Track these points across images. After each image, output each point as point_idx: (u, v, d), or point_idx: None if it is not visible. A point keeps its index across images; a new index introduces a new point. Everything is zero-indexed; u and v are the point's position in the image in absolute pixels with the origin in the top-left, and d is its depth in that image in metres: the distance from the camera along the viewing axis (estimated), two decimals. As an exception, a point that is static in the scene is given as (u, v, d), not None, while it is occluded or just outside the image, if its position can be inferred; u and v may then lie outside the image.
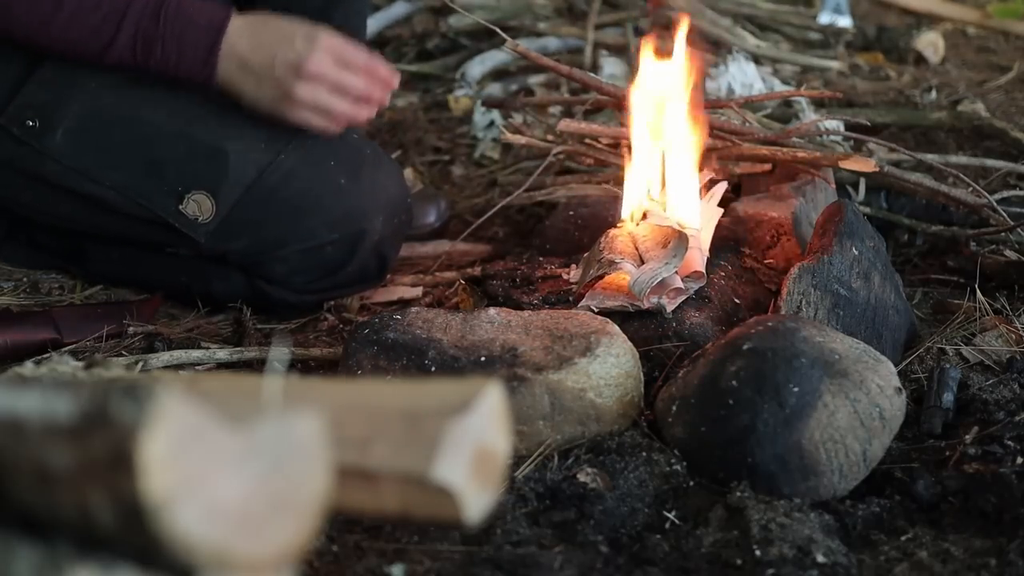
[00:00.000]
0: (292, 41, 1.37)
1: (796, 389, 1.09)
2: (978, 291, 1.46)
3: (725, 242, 1.52)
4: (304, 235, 1.48)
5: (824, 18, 3.29)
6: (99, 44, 1.36)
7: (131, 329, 1.50)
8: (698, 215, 1.44)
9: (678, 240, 1.35)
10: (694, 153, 1.47)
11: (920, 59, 2.99)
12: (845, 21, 3.32)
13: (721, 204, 1.56)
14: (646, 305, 1.32)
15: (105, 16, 1.35)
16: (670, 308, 1.33)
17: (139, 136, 1.44)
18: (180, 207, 1.44)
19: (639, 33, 1.86)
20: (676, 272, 1.32)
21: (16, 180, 1.48)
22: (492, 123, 2.38)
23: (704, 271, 1.37)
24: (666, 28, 1.53)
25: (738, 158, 1.67)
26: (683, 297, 1.35)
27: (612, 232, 1.42)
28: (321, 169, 1.48)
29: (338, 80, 1.39)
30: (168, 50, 1.36)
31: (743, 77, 2.46)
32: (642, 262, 1.34)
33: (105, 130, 1.43)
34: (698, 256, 1.38)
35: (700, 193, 1.47)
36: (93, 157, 1.44)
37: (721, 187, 1.53)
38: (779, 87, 2.55)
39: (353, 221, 1.48)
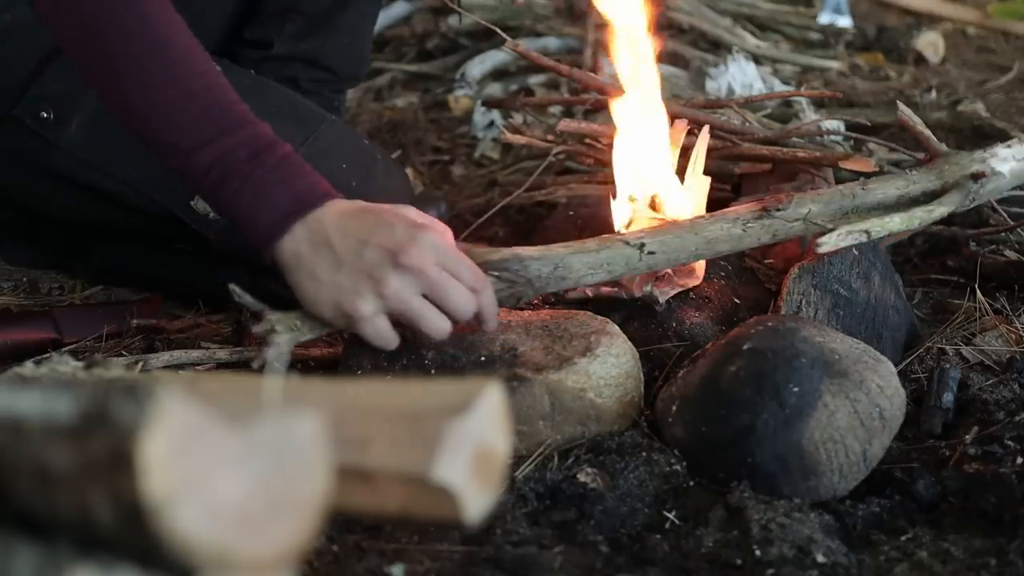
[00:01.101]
0: (393, 227, 1.12)
1: (796, 389, 1.09)
2: (978, 291, 1.46)
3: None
4: None
5: (824, 18, 3.29)
6: (184, 141, 1.13)
7: (134, 322, 1.50)
8: (685, 202, 1.43)
9: None
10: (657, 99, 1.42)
11: (920, 59, 2.99)
12: (845, 21, 3.32)
13: (720, 204, 1.56)
14: (638, 293, 1.31)
15: (208, 118, 1.14)
16: (663, 298, 1.33)
17: None
18: (191, 203, 1.44)
19: None
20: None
21: (27, 172, 1.48)
22: (492, 123, 2.38)
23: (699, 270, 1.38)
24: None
25: (738, 158, 1.67)
26: (674, 290, 1.34)
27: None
28: (332, 170, 1.47)
29: (437, 282, 1.12)
30: (245, 193, 1.13)
31: (743, 77, 2.46)
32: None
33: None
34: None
35: (675, 159, 1.43)
36: (106, 151, 1.44)
37: (683, 129, 1.46)
38: (779, 87, 2.55)
39: None
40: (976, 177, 1.34)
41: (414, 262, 1.10)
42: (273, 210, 1.13)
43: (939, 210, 1.33)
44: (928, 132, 1.37)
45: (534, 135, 1.86)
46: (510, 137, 1.72)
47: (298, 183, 1.14)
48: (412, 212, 1.18)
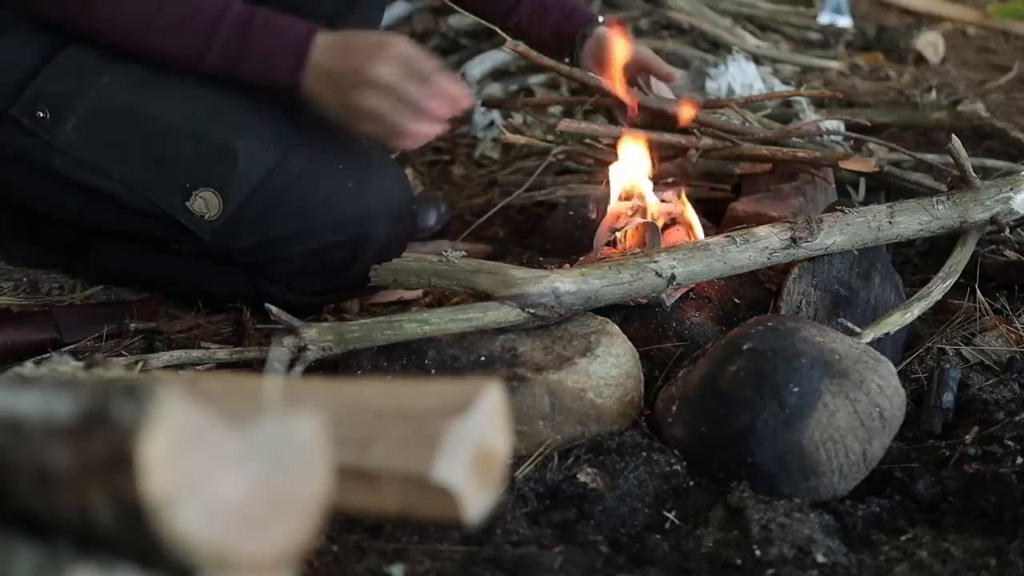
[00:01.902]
0: (366, 50, 1.38)
1: (796, 389, 1.09)
2: (978, 291, 1.46)
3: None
4: (309, 236, 1.49)
5: (824, 18, 3.29)
6: (190, 57, 1.40)
7: (132, 325, 1.50)
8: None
9: (651, 232, 1.38)
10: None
11: (920, 59, 2.99)
12: (845, 21, 3.32)
13: (721, 204, 1.57)
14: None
15: (195, 33, 1.39)
16: (669, 302, 1.33)
17: (149, 132, 1.45)
18: (187, 204, 1.44)
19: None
20: None
21: (24, 172, 1.48)
22: (492, 123, 2.38)
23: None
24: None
25: (738, 158, 1.67)
26: (679, 291, 1.35)
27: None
28: (330, 172, 1.49)
29: (401, 89, 1.37)
30: (255, 66, 1.39)
31: (743, 77, 2.46)
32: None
33: (115, 124, 1.44)
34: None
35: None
36: (102, 151, 1.44)
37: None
38: (779, 87, 2.55)
39: (359, 224, 1.49)
40: (994, 223, 1.38)
41: (375, 76, 1.36)
42: (282, 73, 1.39)
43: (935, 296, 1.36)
44: (969, 164, 1.39)
45: (534, 135, 1.86)
46: (510, 137, 1.72)
47: (286, 40, 1.39)
48: (382, 34, 1.41)
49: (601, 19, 1.72)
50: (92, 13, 1.40)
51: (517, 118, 2.16)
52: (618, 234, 1.40)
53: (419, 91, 1.37)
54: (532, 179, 1.82)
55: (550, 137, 1.87)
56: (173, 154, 1.44)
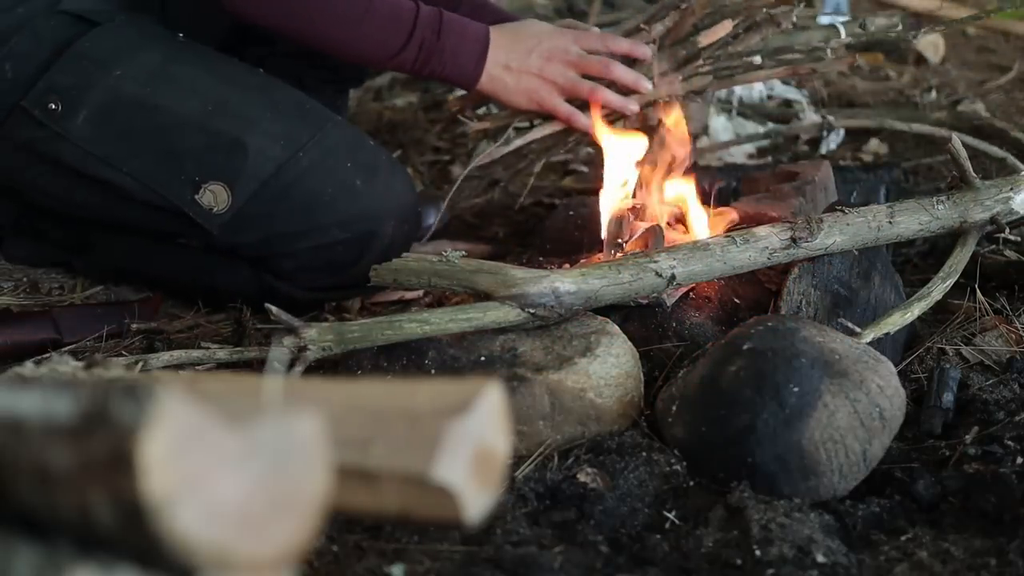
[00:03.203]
0: (541, 35, 1.54)
1: (796, 389, 1.09)
2: (978, 291, 1.46)
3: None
4: (316, 232, 1.50)
5: (824, 18, 3.29)
6: (388, 52, 1.50)
7: (133, 326, 1.50)
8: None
9: (655, 234, 1.38)
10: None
11: (920, 59, 2.99)
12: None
13: (721, 203, 1.57)
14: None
15: (398, 29, 1.48)
16: (670, 301, 1.33)
17: (160, 125, 1.46)
18: (196, 196, 1.45)
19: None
20: None
21: (33, 163, 1.49)
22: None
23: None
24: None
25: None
26: (679, 291, 1.35)
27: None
28: (338, 169, 1.50)
29: (580, 58, 1.53)
30: (445, 60, 1.51)
31: (743, 77, 2.45)
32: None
33: (126, 117, 1.45)
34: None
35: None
36: (113, 143, 1.45)
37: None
38: (779, 87, 2.55)
39: (365, 222, 1.50)
40: (994, 223, 1.38)
41: (556, 46, 1.53)
42: (469, 66, 1.52)
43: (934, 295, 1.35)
44: (968, 164, 1.39)
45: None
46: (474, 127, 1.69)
47: (469, 37, 1.52)
48: (543, 27, 1.58)
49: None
50: (301, 15, 1.47)
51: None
52: (624, 245, 1.40)
53: (597, 62, 1.53)
54: (532, 180, 1.80)
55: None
56: (183, 147, 1.45)
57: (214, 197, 1.45)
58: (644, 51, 1.55)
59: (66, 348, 1.45)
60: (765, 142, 2.26)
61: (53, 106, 1.45)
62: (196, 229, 1.48)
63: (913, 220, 1.36)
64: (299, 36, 1.49)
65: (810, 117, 2.38)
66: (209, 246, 1.52)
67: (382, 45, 1.49)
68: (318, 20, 1.46)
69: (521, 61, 1.52)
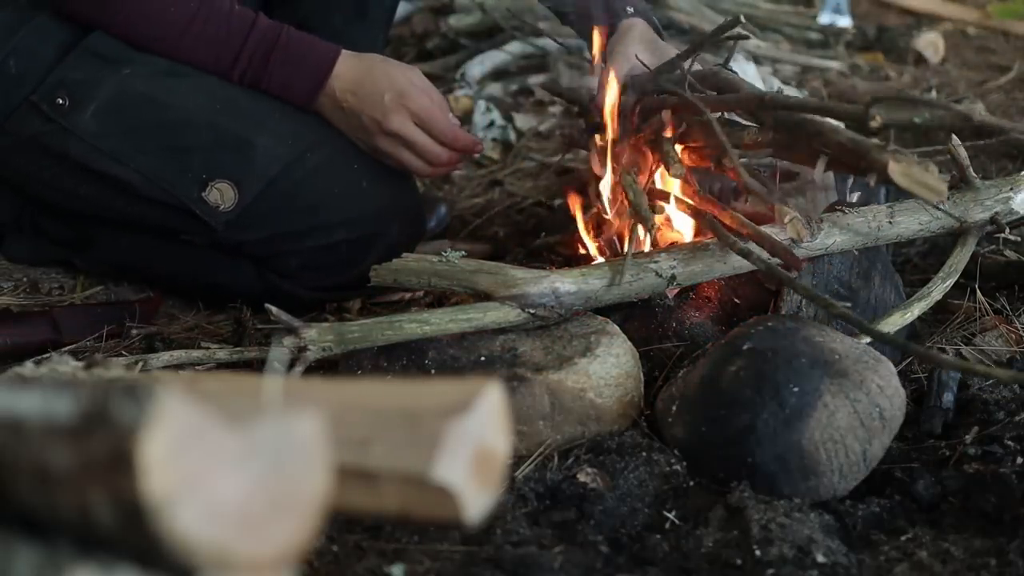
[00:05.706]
0: (382, 97, 1.47)
1: (796, 389, 1.09)
2: (978, 291, 1.46)
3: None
4: (321, 232, 1.50)
5: (824, 18, 3.29)
6: (217, 71, 1.48)
7: (133, 332, 1.50)
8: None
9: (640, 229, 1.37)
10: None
11: (920, 59, 2.99)
12: (845, 21, 3.32)
13: (721, 203, 1.56)
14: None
15: (222, 48, 1.47)
16: (671, 295, 1.34)
17: (168, 121, 1.46)
18: (203, 194, 1.46)
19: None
20: None
21: (40, 157, 1.50)
22: (492, 123, 2.38)
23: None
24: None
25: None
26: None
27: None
28: (345, 170, 1.51)
29: (414, 141, 1.49)
30: (275, 85, 1.48)
31: (743, 77, 2.45)
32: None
33: (134, 113, 1.46)
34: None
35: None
36: (120, 139, 1.46)
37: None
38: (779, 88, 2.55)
39: (370, 222, 1.51)
40: (994, 223, 1.38)
41: (393, 128, 1.48)
42: (301, 95, 1.49)
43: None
44: (969, 164, 1.39)
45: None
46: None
47: (309, 63, 1.48)
48: (399, 77, 1.49)
49: (630, 10, 1.60)
50: (123, 21, 1.45)
51: (519, 119, 2.16)
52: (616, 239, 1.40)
53: (429, 144, 1.50)
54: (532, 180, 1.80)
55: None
56: (191, 144, 1.46)
57: (221, 195, 1.46)
58: (477, 145, 1.58)
59: (66, 348, 1.45)
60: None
61: (61, 101, 1.45)
62: (201, 226, 1.48)
63: (913, 220, 1.36)
64: (129, 41, 1.48)
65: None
66: (212, 243, 1.53)
67: (210, 61, 1.47)
68: (143, 28, 1.47)
69: (355, 113, 1.48)
